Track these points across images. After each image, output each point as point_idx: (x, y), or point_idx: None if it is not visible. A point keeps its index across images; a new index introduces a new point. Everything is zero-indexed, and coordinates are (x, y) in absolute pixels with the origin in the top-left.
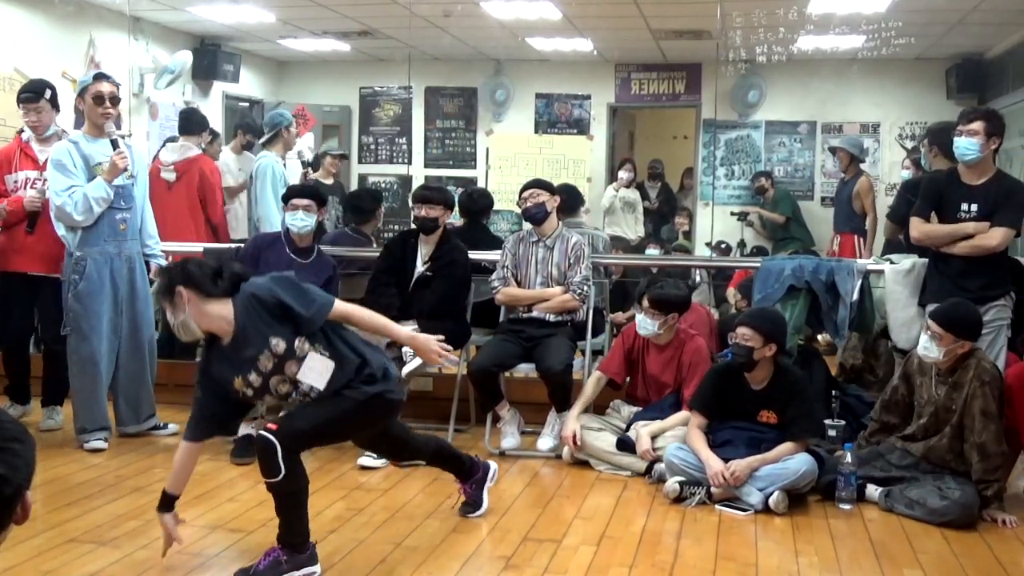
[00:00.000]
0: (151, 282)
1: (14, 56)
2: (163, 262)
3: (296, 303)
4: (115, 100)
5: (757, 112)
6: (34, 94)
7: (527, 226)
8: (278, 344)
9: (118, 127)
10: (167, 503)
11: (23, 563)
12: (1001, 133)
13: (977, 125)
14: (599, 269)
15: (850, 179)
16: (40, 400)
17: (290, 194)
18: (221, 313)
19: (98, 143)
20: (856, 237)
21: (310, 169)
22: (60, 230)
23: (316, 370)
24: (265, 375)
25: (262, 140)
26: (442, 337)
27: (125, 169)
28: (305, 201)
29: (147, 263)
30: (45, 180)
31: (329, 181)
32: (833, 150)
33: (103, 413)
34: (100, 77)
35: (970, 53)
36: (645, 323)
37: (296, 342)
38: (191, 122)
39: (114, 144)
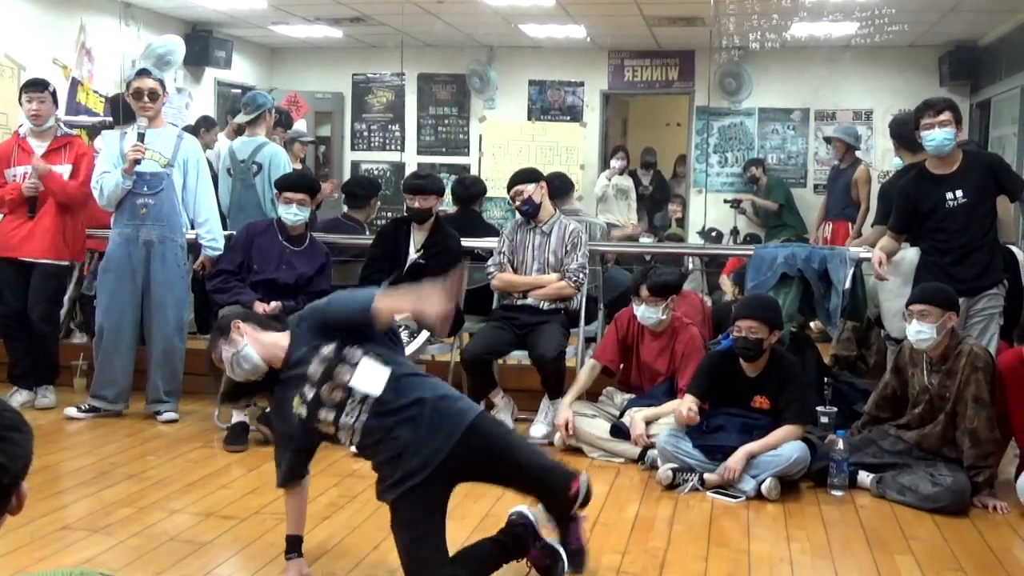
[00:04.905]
0: (197, 271)
1: (5, 42)
2: (213, 253)
3: (337, 312)
4: (153, 95)
5: (742, 101)
6: (40, 84)
7: None
8: (327, 349)
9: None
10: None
11: (16, 550)
12: (961, 120)
13: (947, 115)
14: (594, 256)
15: (847, 167)
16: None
17: (284, 186)
18: (276, 340)
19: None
20: (850, 224)
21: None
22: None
23: (370, 375)
24: (317, 383)
25: (247, 119)
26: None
27: (137, 161)
28: (300, 195)
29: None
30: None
31: (297, 166)
32: (828, 139)
33: (109, 382)
34: (141, 73)
35: (963, 40)
36: (648, 313)
37: (346, 349)
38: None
39: (140, 137)
